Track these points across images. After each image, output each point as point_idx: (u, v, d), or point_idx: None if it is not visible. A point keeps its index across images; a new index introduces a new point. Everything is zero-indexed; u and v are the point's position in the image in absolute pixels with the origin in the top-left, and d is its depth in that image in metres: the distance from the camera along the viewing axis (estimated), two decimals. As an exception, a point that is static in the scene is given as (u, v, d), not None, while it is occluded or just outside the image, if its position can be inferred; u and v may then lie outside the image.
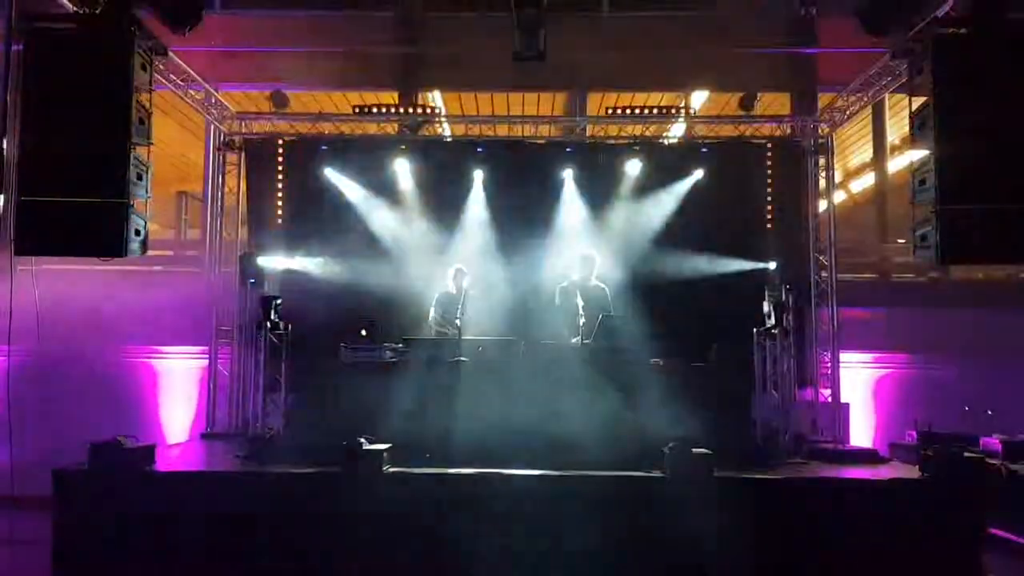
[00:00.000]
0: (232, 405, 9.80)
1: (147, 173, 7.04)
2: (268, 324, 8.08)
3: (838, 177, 12.34)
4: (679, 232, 10.10)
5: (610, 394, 7.48)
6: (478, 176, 10.21)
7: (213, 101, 9.67)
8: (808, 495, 6.68)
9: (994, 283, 11.41)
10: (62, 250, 7.08)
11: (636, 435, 7.30)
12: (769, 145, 10.40)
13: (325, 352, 8.14)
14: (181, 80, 8.85)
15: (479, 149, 10.34)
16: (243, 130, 10.28)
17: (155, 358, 10.52)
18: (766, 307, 8.30)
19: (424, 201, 10.28)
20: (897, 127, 12.38)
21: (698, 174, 10.23)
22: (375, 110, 10.02)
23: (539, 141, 10.55)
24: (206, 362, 10.10)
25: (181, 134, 12.72)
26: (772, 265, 9.76)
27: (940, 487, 6.60)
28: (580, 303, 8.23)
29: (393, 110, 10.18)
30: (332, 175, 10.17)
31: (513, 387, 7.53)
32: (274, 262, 9.73)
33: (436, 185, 10.33)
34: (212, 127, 10.46)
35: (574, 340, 8.22)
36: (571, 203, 10.19)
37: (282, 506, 6.52)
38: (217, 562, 6.42)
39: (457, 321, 8.08)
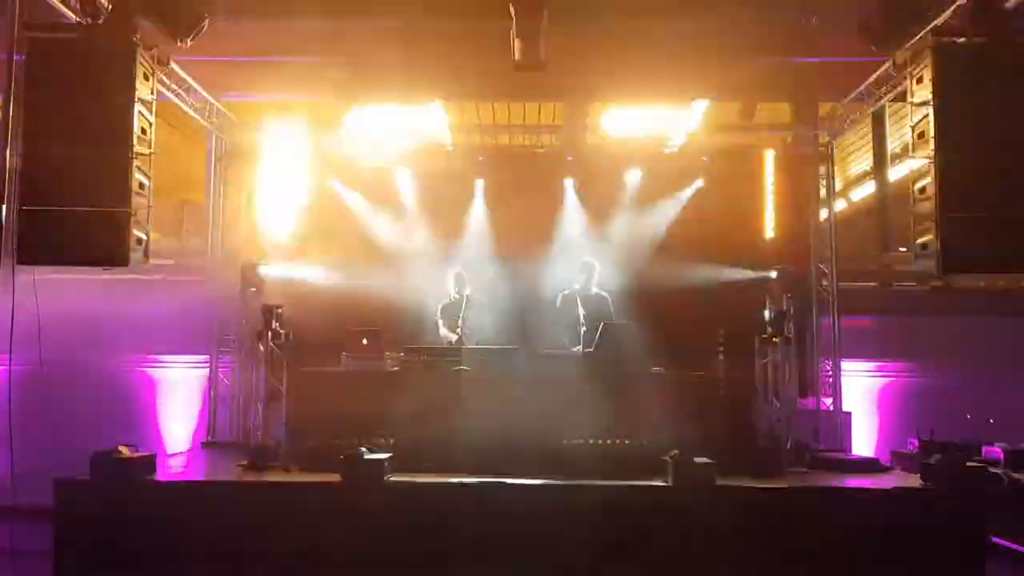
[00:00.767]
0: (233, 414, 9.79)
1: (149, 182, 7.06)
2: (269, 333, 8.07)
3: (839, 186, 12.34)
4: (680, 240, 10.12)
5: (612, 403, 7.47)
6: (479, 185, 10.22)
7: (214, 110, 9.69)
8: (810, 504, 6.67)
9: (995, 292, 11.39)
10: (64, 259, 7.08)
11: (638, 444, 7.30)
12: (770, 154, 10.39)
13: (327, 361, 8.14)
14: (183, 89, 8.87)
15: (480, 158, 10.36)
16: (244, 139, 10.27)
17: (156, 367, 10.51)
18: (767, 315, 8.28)
19: (426, 210, 10.29)
20: (898, 136, 12.39)
21: (699, 183, 10.24)
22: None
23: (540, 150, 10.57)
24: (207, 371, 10.10)
25: (183, 143, 12.74)
26: (773, 273, 9.77)
27: (942, 496, 6.60)
28: (581, 311, 8.24)
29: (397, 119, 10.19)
30: (334, 183, 10.17)
31: (514, 396, 7.53)
32: (276, 270, 9.74)
33: (438, 194, 10.34)
34: (214, 136, 10.47)
35: (575, 349, 8.21)
36: (572, 212, 10.20)
37: (283, 515, 6.51)
38: (218, 571, 6.41)
39: (458, 330, 8.09)
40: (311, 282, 9.94)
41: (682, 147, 10.85)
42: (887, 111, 11.67)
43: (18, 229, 6.51)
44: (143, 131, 6.93)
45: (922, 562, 6.44)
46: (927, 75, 6.81)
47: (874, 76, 8.59)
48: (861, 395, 10.41)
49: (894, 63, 7.77)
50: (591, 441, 7.36)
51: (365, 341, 8.04)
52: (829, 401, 10.02)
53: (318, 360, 8.31)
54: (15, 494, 6.72)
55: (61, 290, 8.66)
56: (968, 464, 6.86)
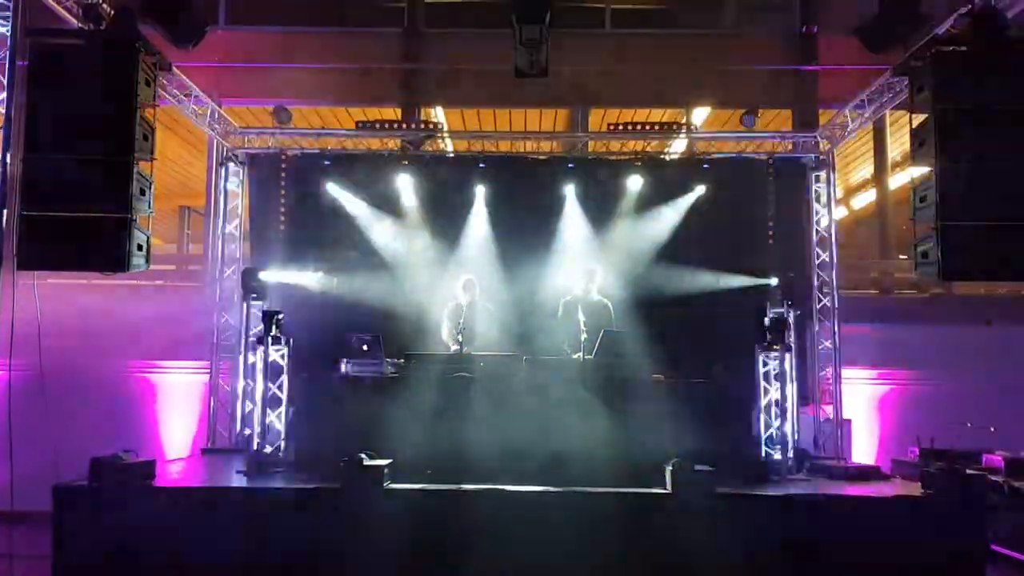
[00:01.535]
0: (233, 420, 9.78)
1: (150, 188, 7.07)
2: (269, 339, 8.08)
3: (839, 193, 12.37)
4: (681, 247, 10.10)
5: (612, 410, 7.46)
6: (480, 191, 10.22)
7: (216, 116, 9.70)
8: (810, 512, 6.66)
9: (996, 299, 11.41)
10: (64, 264, 7.10)
11: (638, 451, 7.28)
12: (770, 161, 10.40)
13: (327, 367, 8.14)
14: (184, 95, 8.88)
15: (481, 164, 10.36)
16: (245, 145, 10.30)
17: (156, 372, 10.51)
18: (767, 323, 8.29)
19: (426, 216, 10.29)
20: (898, 144, 12.42)
21: (699, 190, 10.24)
22: (378, 126, 10.08)
23: (541, 157, 10.58)
24: (207, 377, 10.09)
25: (184, 149, 12.77)
26: (774, 281, 9.76)
27: (942, 504, 6.59)
28: (582, 318, 8.22)
29: (396, 126, 10.23)
30: (335, 190, 10.18)
31: (515, 402, 7.52)
32: (276, 277, 9.74)
33: (438, 200, 10.33)
34: (215, 142, 10.49)
35: (576, 355, 8.21)
36: (573, 218, 10.19)
37: (282, 521, 6.50)
38: (217, 578, 6.41)
39: (459, 336, 8.09)
40: (311, 288, 9.94)
41: (683, 154, 10.89)
42: (887, 119, 11.70)
43: (18, 234, 6.52)
44: (144, 137, 6.93)
45: (922, 571, 6.44)
46: (928, 83, 6.82)
47: (875, 84, 8.60)
48: (861, 403, 10.40)
49: (895, 71, 7.79)
50: (591, 448, 7.34)
51: (365, 347, 8.03)
52: (829, 409, 10.00)
53: (318, 366, 8.30)
54: (14, 499, 6.73)
55: (61, 296, 8.67)
56: (968, 472, 6.84)
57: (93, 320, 9.69)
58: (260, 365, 8.17)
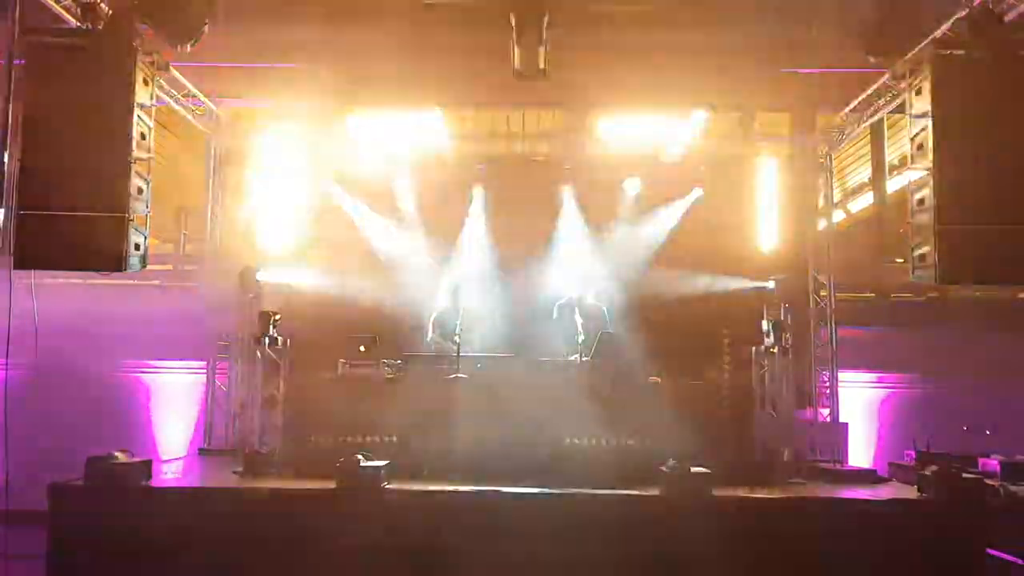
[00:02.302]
0: (230, 420, 9.77)
1: (147, 187, 7.06)
2: (266, 339, 8.07)
3: (837, 196, 12.35)
4: (678, 250, 10.12)
5: (608, 412, 7.46)
6: (478, 193, 10.22)
7: (213, 116, 9.68)
8: (807, 515, 6.66)
9: (992, 303, 11.40)
10: (62, 264, 7.09)
11: (635, 453, 7.29)
12: (768, 164, 10.40)
13: (324, 368, 8.13)
14: (182, 95, 8.87)
15: (479, 166, 10.36)
16: (243, 145, 10.28)
17: (153, 372, 10.49)
18: (765, 326, 8.29)
19: (424, 218, 10.29)
20: (896, 147, 12.41)
21: (697, 193, 10.25)
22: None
23: (539, 159, 10.58)
24: (204, 377, 10.07)
25: (181, 148, 12.73)
26: (771, 284, 9.78)
27: (938, 507, 6.59)
28: (579, 320, 8.23)
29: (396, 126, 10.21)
30: (333, 190, 10.17)
31: (511, 404, 7.51)
32: (273, 277, 9.73)
33: (436, 202, 10.33)
34: (212, 142, 10.47)
35: (573, 357, 8.20)
36: (570, 220, 10.20)
37: (279, 522, 6.49)
38: (213, 577, 6.40)
39: (456, 338, 8.08)
40: (309, 289, 9.92)
41: (681, 157, 10.88)
42: (885, 122, 11.69)
43: (16, 233, 6.50)
44: (142, 136, 6.93)
45: (919, 573, 6.43)
46: (926, 87, 6.83)
47: (873, 87, 8.61)
48: (858, 406, 10.41)
49: (893, 75, 7.80)
50: (588, 450, 7.34)
51: (362, 348, 8.03)
52: (826, 412, 10.00)
53: (315, 367, 8.29)
54: (9, 498, 6.71)
55: (58, 295, 8.65)
56: (965, 476, 6.85)
57: (90, 320, 9.66)
58: (257, 365, 8.17)
